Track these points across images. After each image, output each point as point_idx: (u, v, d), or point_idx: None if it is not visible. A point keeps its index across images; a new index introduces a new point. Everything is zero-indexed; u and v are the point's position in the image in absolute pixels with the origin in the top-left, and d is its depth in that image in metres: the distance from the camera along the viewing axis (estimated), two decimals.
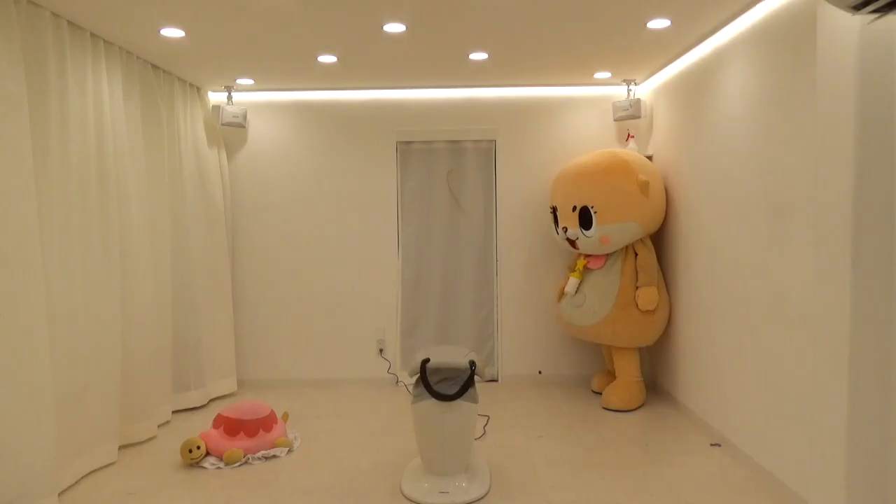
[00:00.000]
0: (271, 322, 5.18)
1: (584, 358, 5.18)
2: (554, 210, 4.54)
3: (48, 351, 2.92)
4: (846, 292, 2.23)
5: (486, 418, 4.20)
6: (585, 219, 4.25)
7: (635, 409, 4.33)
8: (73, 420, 3.19)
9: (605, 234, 4.21)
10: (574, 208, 4.30)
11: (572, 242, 4.42)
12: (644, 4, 3.19)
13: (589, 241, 4.29)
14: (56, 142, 3.12)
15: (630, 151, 4.43)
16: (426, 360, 3.04)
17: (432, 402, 2.98)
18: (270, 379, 5.19)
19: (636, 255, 4.35)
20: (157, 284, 4.07)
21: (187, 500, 3.04)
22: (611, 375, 4.75)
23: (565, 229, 4.40)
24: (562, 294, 4.65)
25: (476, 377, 3.17)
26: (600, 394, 4.73)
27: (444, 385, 3.02)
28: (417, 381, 3.08)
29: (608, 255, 4.38)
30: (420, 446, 3.09)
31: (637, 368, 4.41)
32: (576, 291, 4.46)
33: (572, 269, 4.65)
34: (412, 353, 5.17)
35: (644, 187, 4.16)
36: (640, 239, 4.36)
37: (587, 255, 4.48)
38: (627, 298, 4.27)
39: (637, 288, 4.28)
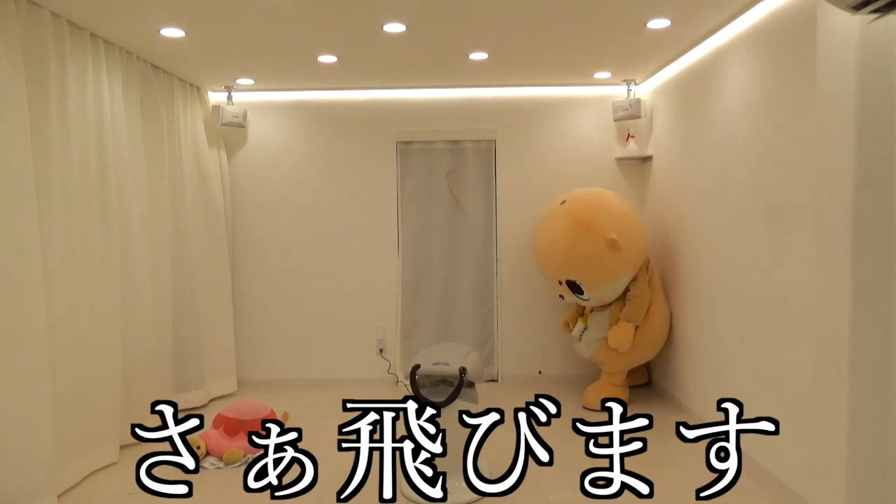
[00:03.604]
0: (271, 322, 5.18)
1: (583, 358, 5.17)
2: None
3: (48, 351, 2.92)
4: (846, 292, 2.23)
5: None
6: (575, 288, 4.23)
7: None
8: (74, 421, 3.18)
9: (599, 296, 4.22)
10: (561, 282, 4.29)
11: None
12: (644, 4, 3.19)
13: (588, 302, 4.33)
14: (56, 142, 3.11)
15: (592, 192, 4.36)
16: (416, 367, 3.04)
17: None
18: (270, 379, 5.18)
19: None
20: (157, 284, 4.07)
21: (187, 501, 3.04)
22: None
23: (562, 297, 4.42)
24: (567, 327, 4.74)
25: (473, 381, 3.17)
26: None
27: (439, 389, 3.01)
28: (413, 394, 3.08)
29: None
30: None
31: (622, 372, 4.43)
32: (580, 336, 4.48)
33: (580, 313, 4.60)
34: (412, 352, 5.17)
35: (613, 246, 4.04)
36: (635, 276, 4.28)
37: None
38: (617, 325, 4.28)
39: (617, 321, 4.25)
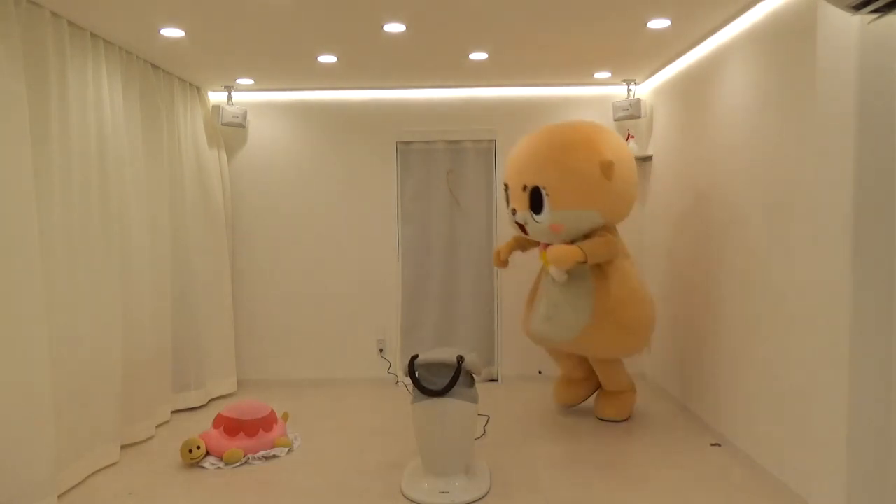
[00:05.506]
0: (271, 322, 5.18)
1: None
2: (507, 188, 3.88)
3: (48, 351, 2.92)
4: (846, 292, 2.23)
5: (486, 418, 4.20)
6: (536, 201, 3.60)
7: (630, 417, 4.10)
8: (74, 421, 3.18)
9: (557, 220, 3.57)
10: (524, 187, 3.64)
11: (522, 227, 3.77)
12: (644, 4, 3.19)
13: (538, 227, 3.65)
14: (56, 142, 3.11)
15: (600, 124, 3.81)
16: (414, 357, 3.07)
17: (432, 401, 2.99)
18: (270, 379, 5.19)
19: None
20: (157, 284, 4.07)
21: (187, 500, 3.04)
22: (574, 383, 4.22)
23: (514, 211, 3.76)
24: (531, 303, 4.09)
25: (475, 376, 3.17)
26: (569, 405, 4.30)
27: (436, 382, 3.02)
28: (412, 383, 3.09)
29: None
30: (420, 446, 3.09)
31: (625, 372, 4.04)
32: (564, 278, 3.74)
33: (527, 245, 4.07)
34: (412, 353, 5.17)
35: (608, 169, 3.49)
36: (605, 225, 3.71)
37: (545, 245, 3.79)
38: (607, 304, 3.64)
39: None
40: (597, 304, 3.65)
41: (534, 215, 3.63)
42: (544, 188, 3.56)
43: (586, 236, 3.66)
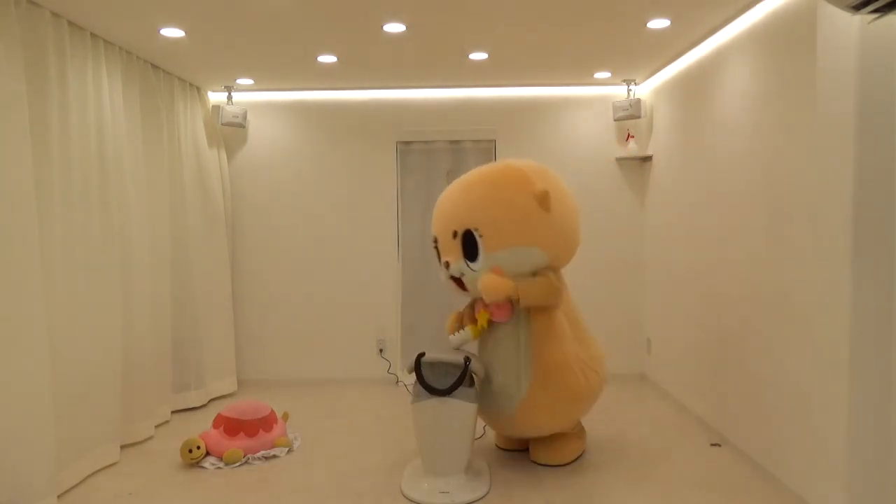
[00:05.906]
0: (271, 322, 5.18)
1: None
2: (436, 242, 3.40)
3: (48, 351, 2.92)
4: (846, 292, 2.23)
5: None
6: (470, 246, 3.17)
7: (571, 462, 3.41)
8: (74, 421, 3.18)
9: (497, 263, 3.13)
10: (454, 234, 3.21)
11: (459, 282, 3.27)
12: (644, 4, 3.19)
13: (477, 276, 3.17)
14: (56, 142, 3.11)
15: (528, 162, 3.38)
16: (421, 354, 3.06)
17: (431, 401, 2.99)
18: (270, 379, 5.19)
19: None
20: (157, 284, 4.07)
21: (187, 500, 3.04)
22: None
23: (447, 264, 3.26)
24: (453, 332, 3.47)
25: (475, 376, 3.17)
26: (506, 450, 3.64)
27: (440, 381, 3.02)
28: (416, 381, 3.09)
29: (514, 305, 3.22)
30: (420, 446, 3.09)
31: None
32: (460, 338, 3.32)
33: (471, 319, 3.41)
34: (412, 352, 5.16)
35: (543, 199, 3.09)
36: (549, 267, 3.25)
37: (491, 304, 3.22)
38: (545, 366, 3.14)
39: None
40: (535, 364, 3.16)
41: (469, 263, 3.19)
42: (476, 230, 3.13)
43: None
